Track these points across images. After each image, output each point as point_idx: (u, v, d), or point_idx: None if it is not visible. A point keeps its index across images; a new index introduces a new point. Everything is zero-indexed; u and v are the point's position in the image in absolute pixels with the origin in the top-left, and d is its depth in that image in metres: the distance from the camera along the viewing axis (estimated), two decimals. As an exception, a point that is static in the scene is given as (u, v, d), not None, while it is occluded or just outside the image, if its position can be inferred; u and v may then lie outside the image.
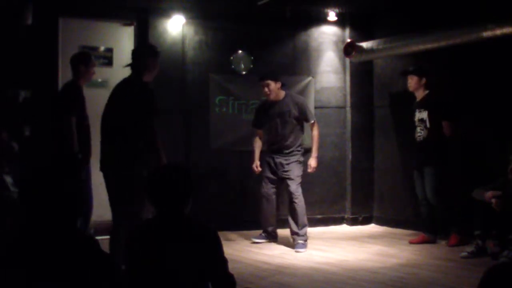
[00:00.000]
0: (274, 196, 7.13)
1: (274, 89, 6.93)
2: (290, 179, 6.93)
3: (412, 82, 7.16)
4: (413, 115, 7.15)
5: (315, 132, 7.17)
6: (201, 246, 2.94)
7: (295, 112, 6.98)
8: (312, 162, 7.11)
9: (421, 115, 7.05)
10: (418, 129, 7.07)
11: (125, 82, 5.41)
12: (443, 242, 7.03)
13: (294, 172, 6.95)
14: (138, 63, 5.31)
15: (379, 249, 6.91)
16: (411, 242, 7.12)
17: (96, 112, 6.46)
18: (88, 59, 6.45)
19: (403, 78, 7.51)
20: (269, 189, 7.09)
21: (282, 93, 7.04)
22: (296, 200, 6.91)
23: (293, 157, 6.98)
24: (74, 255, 2.26)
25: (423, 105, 7.07)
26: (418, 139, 7.09)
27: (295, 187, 6.92)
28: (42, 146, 6.62)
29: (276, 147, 7.03)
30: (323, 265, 6.08)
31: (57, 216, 2.32)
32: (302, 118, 7.06)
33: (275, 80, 6.93)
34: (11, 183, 5.69)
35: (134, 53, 5.42)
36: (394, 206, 8.30)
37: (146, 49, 5.66)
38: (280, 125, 6.99)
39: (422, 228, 7.25)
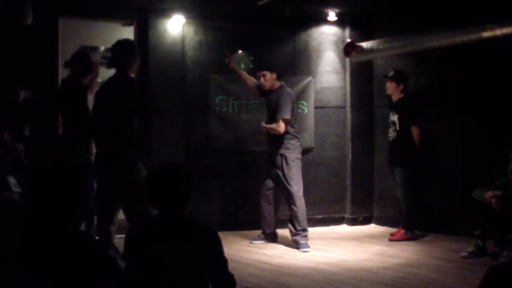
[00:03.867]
0: (272, 197, 7.10)
1: (269, 79, 7.00)
2: (288, 179, 6.88)
3: (390, 86, 7.55)
4: (388, 116, 7.59)
5: (277, 126, 6.83)
6: (201, 246, 2.94)
7: (275, 104, 6.93)
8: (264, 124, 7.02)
9: (393, 117, 7.44)
10: (390, 130, 7.49)
11: (113, 80, 5.40)
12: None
13: (292, 171, 6.89)
14: (121, 59, 5.31)
15: (379, 249, 6.91)
16: (390, 239, 7.39)
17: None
18: (88, 58, 6.46)
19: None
20: (267, 190, 7.09)
21: (277, 84, 7.06)
22: (296, 204, 6.89)
23: (286, 150, 6.88)
24: (74, 255, 2.26)
25: (395, 108, 7.46)
26: (390, 139, 7.51)
27: (294, 188, 6.89)
28: (46, 146, 6.63)
29: (270, 139, 7.00)
30: (323, 265, 6.08)
31: (61, 215, 2.31)
32: (276, 112, 6.89)
33: (271, 70, 7.01)
34: (13, 184, 5.69)
35: (116, 49, 5.40)
36: (394, 206, 8.29)
37: (128, 45, 5.60)
38: (270, 115, 7.01)
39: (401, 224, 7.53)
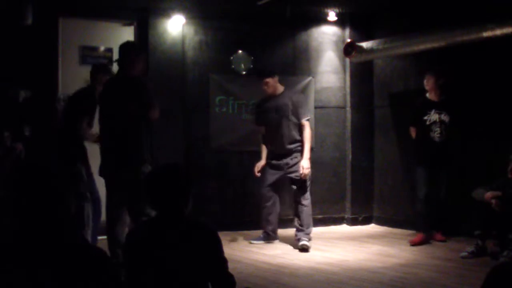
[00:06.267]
0: (272, 196, 7.09)
1: (273, 84, 7.01)
2: (297, 179, 6.85)
3: (430, 81, 7.17)
4: (423, 114, 7.12)
5: (305, 133, 6.88)
6: (201, 246, 2.94)
7: (291, 106, 6.93)
8: (304, 163, 6.80)
9: (443, 117, 7.09)
10: (438, 129, 7.09)
11: (116, 80, 5.47)
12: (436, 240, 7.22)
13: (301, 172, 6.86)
14: (124, 59, 5.40)
15: (379, 249, 6.91)
16: (413, 244, 7.01)
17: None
18: (108, 70, 6.47)
19: (419, 76, 7.55)
20: (267, 189, 7.08)
21: (281, 88, 7.06)
22: (304, 202, 6.89)
23: (296, 153, 6.87)
24: (72, 257, 2.25)
25: (444, 108, 7.12)
26: (437, 139, 7.10)
27: (303, 188, 6.88)
28: (45, 147, 6.62)
29: (275, 144, 6.97)
30: (323, 265, 6.08)
31: (46, 220, 2.29)
32: (295, 114, 6.92)
33: (273, 76, 7.01)
34: None
35: (121, 50, 5.49)
36: (394, 206, 8.31)
37: (130, 46, 5.67)
38: (276, 119, 6.95)
39: (423, 227, 7.18)
